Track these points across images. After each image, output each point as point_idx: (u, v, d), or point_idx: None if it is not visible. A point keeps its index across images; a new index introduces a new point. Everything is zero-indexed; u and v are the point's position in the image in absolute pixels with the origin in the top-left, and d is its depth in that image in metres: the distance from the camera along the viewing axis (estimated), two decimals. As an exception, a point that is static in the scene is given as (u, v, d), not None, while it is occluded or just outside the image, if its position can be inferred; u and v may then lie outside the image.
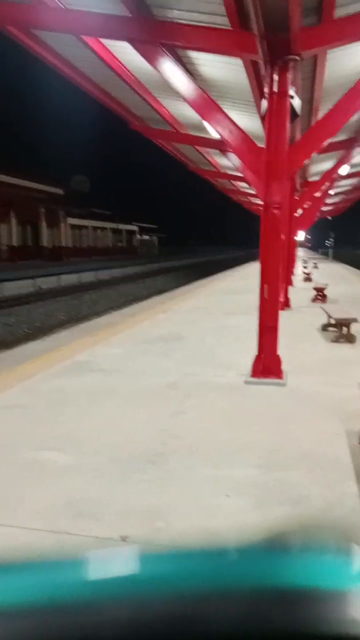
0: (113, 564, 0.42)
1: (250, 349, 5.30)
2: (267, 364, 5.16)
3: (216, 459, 3.27)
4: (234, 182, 17.97)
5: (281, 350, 5.20)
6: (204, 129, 9.39)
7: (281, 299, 5.59)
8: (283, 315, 5.44)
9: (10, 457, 3.30)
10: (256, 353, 5.23)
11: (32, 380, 5.09)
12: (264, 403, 4.49)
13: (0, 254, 35.13)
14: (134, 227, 66.03)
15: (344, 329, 7.31)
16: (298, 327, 8.30)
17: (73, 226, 46.41)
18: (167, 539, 2.37)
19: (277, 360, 5.18)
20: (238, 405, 4.42)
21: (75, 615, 0.35)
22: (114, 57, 7.15)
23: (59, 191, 36.68)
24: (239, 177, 13.99)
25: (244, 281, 17.97)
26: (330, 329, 7.84)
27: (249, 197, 22.69)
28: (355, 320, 7.25)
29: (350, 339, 7.21)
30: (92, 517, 2.58)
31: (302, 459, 3.29)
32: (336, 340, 7.26)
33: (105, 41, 6.70)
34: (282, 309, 6.62)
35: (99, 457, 3.29)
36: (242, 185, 18.39)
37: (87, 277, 27.66)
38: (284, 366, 5.21)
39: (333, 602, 0.36)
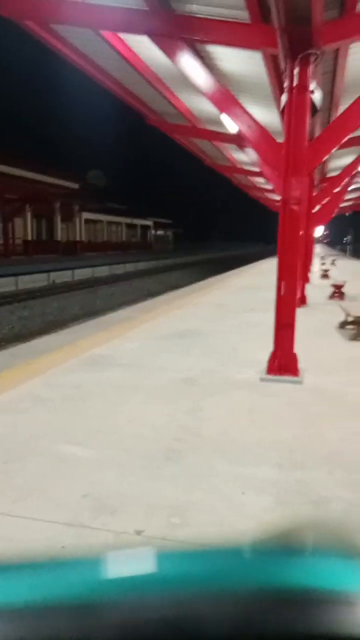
0: (111, 564, 0.42)
1: (269, 346, 5.27)
2: (283, 362, 5.13)
3: (235, 457, 3.26)
4: (250, 177, 17.87)
5: (297, 348, 5.17)
6: (221, 124, 9.34)
7: (298, 296, 5.55)
8: (299, 313, 5.41)
9: (30, 450, 3.32)
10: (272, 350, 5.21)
11: (49, 374, 5.13)
12: (281, 401, 4.47)
13: (15, 248, 35.35)
14: (149, 222, 65.99)
15: (362, 327, 7.23)
16: (315, 324, 8.24)
17: (88, 221, 46.54)
18: (182, 535, 2.38)
19: (293, 358, 5.15)
20: (256, 403, 4.40)
21: (73, 616, 0.35)
22: (132, 51, 7.13)
23: (74, 185, 36.68)
24: (256, 172, 13.91)
25: (262, 277, 17.89)
26: (348, 326, 7.76)
27: (265, 192, 22.58)
28: (373, 317, 7.17)
29: (367, 336, 7.14)
30: (109, 511, 2.59)
31: (322, 458, 3.27)
32: (354, 338, 7.19)
33: (123, 35, 6.69)
34: (299, 305, 6.57)
35: (118, 452, 3.31)
36: (258, 180, 18.28)
37: (102, 271, 27.76)
38: (300, 364, 5.18)
39: (337, 604, 0.35)
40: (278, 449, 3.40)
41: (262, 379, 5.05)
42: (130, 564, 0.42)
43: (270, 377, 5.09)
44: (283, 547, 0.49)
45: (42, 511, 2.57)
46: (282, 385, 4.90)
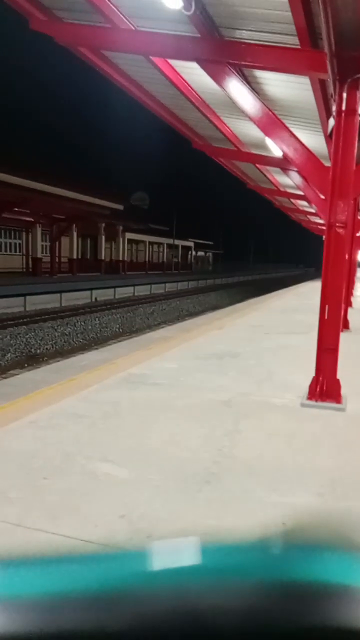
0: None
1: (309, 370, 5.15)
2: (325, 387, 5.00)
3: (273, 484, 3.17)
4: (293, 200, 17.80)
5: (339, 374, 5.03)
6: (265, 147, 9.39)
7: (341, 320, 5.44)
8: (342, 337, 5.27)
9: (66, 467, 3.33)
10: (314, 375, 5.09)
11: (88, 390, 5.17)
12: (322, 428, 4.34)
13: (60, 266, 36.27)
14: (190, 243, 66.51)
15: None
16: (358, 350, 8.03)
17: (130, 240, 47.34)
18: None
19: (336, 384, 5.01)
20: (295, 428, 4.29)
21: (81, 610, 0.35)
22: (180, 77, 7.29)
23: (119, 207, 37.53)
24: (299, 195, 13.85)
25: (300, 300, 17.65)
26: (392, 353, 7.52)
27: (308, 215, 22.41)
28: None
29: None
30: (145, 534, 2.55)
31: (364, 489, 3.14)
32: None
33: (172, 61, 6.85)
34: (342, 330, 6.43)
35: (154, 472, 3.27)
36: (301, 203, 18.19)
37: (142, 290, 28.07)
38: (343, 390, 5.03)
39: (342, 598, 0.36)
40: (319, 477, 3.28)
41: (302, 404, 4.93)
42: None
43: (311, 402, 4.96)
44: (289, 543, 0.49)
45: (76, 530, 2.56)
46: (324, 412, 4.77)
